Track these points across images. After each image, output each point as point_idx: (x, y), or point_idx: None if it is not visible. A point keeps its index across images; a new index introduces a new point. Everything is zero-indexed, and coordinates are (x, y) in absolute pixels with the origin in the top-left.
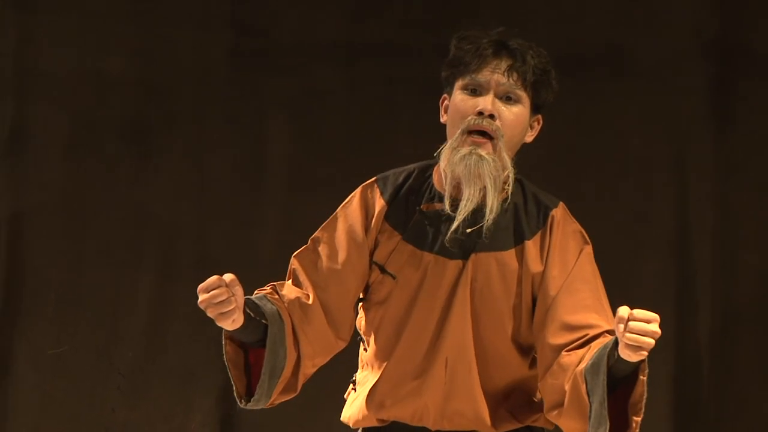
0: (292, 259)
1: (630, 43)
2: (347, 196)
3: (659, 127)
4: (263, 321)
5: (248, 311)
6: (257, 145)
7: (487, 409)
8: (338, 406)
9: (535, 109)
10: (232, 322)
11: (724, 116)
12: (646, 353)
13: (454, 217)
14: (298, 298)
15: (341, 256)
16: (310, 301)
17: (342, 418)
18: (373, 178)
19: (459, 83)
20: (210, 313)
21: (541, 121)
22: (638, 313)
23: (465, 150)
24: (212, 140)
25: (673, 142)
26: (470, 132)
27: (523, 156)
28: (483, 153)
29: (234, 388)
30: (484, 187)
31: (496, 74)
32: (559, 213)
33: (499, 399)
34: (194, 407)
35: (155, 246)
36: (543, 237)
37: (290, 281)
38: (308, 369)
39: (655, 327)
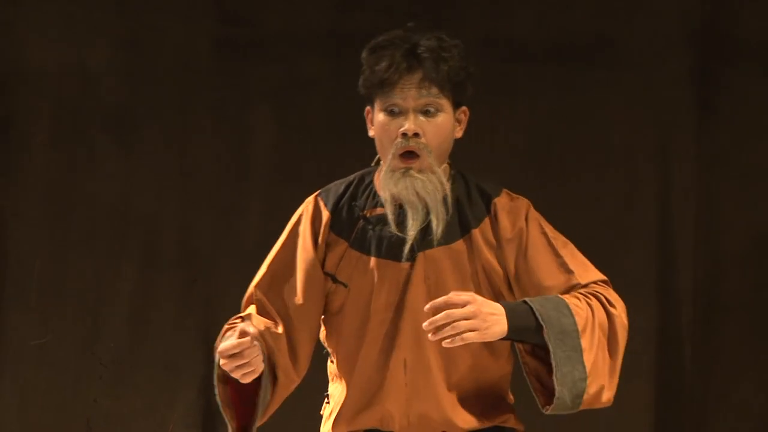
0: (253, 289)
1: (614, 32)
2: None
3: (643, 115)
4: None
5: None
6: (242, 135)
7: (454, 410)
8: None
9: (458, 105)
10: (250, 378)
11: (707, 105)
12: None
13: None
14: (268, 328)
15: (302, 287)
16: (280, 331)
17: None
18: (315, 193)
19: (378, 103)
20: (233, 375)
21: (467, 112)
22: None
23: (398, 174)
24: (196, 130)
25: (656, 131)
26: (400, 155)
27: (508, 144)
28: (416, 174)
29: (230, 424)
30: (426, 205)
31: (411, 91)
32: (503, 199)
33: (467, 399)
34: (177, 398)
35: (138, 236)
36: (491, 225)
37: (255, 310)
38: (283, 396)
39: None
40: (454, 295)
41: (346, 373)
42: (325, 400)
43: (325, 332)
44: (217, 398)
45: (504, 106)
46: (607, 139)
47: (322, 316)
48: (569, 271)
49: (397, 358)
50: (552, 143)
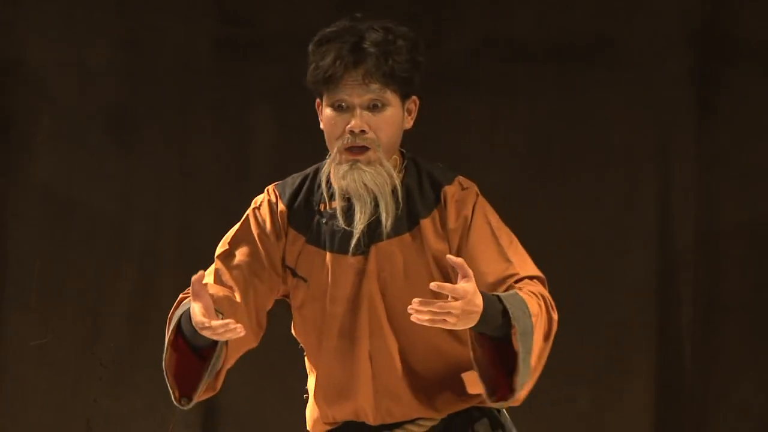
0: (216, 259)
1: (614, 32)
2: None
3: (643, 115)
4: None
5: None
6: (242, 135)
7: (425, 395)
8: None
9: (406, 96)
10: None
11: (707, 105)
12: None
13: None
14: (227, 296)
15: (258, 262)
16: (238, 300)
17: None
18: (272, 184)
19: (325, 98)
20: (214, 338)
21: (417, 102)
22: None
23: (345, 166)
24: (196, 130)
25: (656, 131)
26: (346, 148)
27: (508, 144)
28: (363, 166)
29: (172, 392)
30: (375, 197)
31: (357, 88)
32: (453, 188)
33: (438, 383)
34: None
35: (139, 236)
36: (440, 214)
37: (213, 280)
38: (229, 364)
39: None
40: (460, 268)
41: (314, 368)
42: (305, 395)
43: (294, 328)
44: (163, 363)
45: (504, 106)
46: (607, 139)
47: (292, 311)
48: (508, 260)
49: (361, 353)
50: (552, 143)
